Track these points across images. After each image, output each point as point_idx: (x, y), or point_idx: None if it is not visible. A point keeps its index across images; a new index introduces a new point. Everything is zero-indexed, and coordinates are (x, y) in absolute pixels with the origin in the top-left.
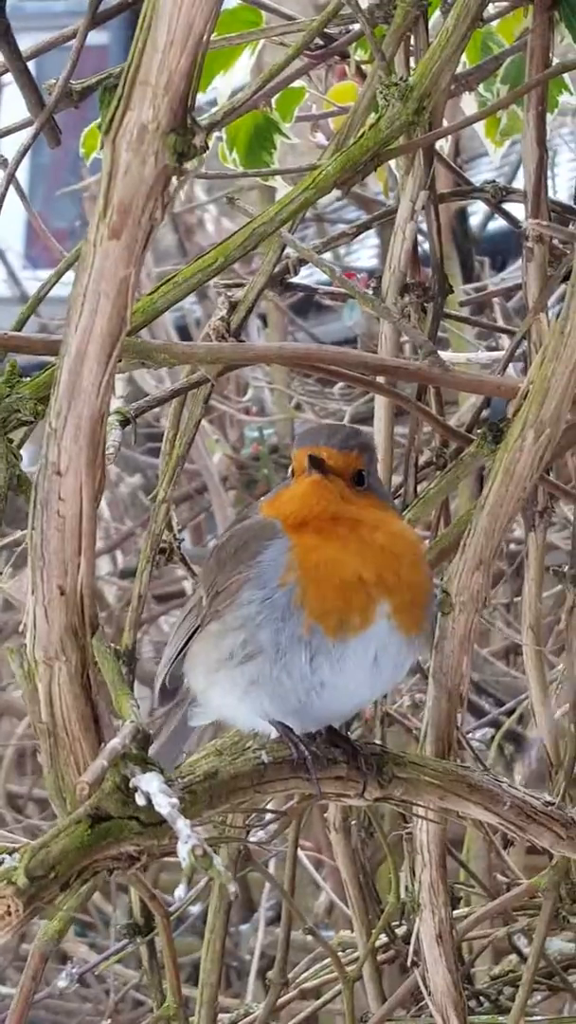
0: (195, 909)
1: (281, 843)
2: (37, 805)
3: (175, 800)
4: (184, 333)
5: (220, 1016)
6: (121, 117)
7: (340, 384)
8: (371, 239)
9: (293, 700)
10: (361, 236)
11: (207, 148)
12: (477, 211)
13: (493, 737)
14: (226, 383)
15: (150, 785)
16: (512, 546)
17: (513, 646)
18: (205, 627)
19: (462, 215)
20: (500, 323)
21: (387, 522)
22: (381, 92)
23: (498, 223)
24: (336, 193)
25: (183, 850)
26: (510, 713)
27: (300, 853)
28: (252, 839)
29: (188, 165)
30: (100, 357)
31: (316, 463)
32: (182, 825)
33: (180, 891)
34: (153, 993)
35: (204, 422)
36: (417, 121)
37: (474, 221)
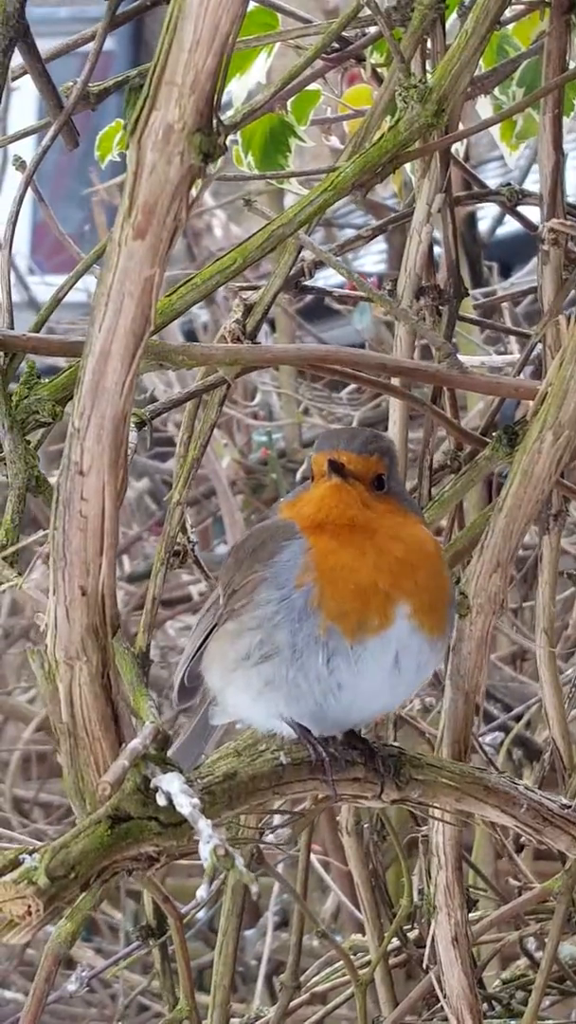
0: (201, 915)
1: (291, 847)
2: (42, 809)
3: (196, 800)
4: (191, 338)
5: (230, 1020)
6: (147, 117)
7: (348, 388)
8: (377, 244)
9: (310, 702)
10: (370, 245)
11: (226, 149)
12: (485, 216)
13: (502, 742)
14: (234, 388)
15: (171, 785)
16: (521, 551)
17: (521, 651)
18: (222, 626)
19: (471, 220)
20: (507, 320)
21: (406, 530)
22: (400, 94)
23: (505, 229)
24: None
25: (205, 850)
26: (519, 718)
27: (312, 858)
28: (266, 841)
29: (210, 167)
30: (124, 357)
31: (336, 467)
32: (204, 825)
33: (202, 891)
34: (165, 996)
35: None
36: (436, 123)
37: (482, 227)
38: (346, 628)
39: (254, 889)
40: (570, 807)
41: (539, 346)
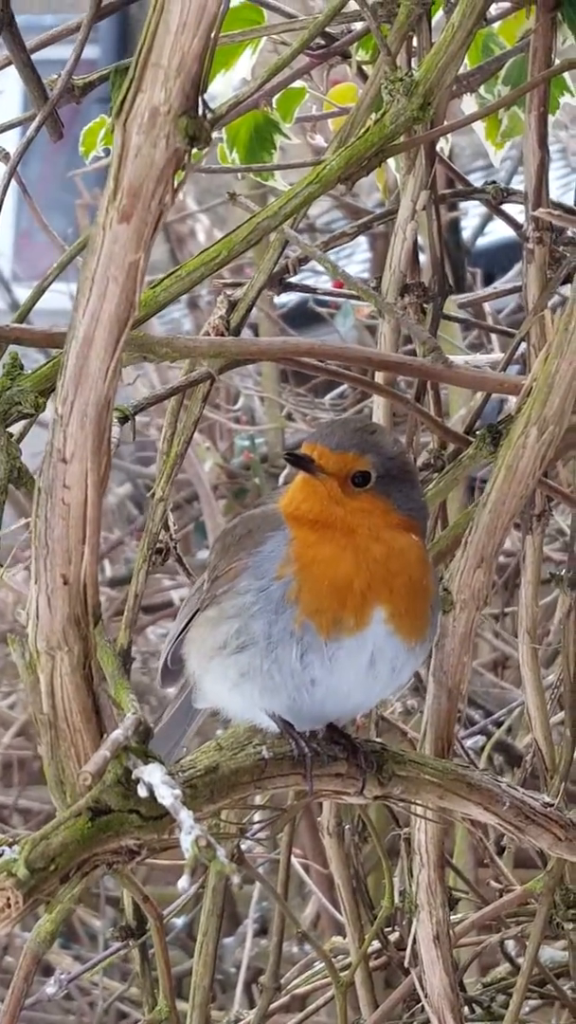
0: (179, 922)
1: (272, 850)
2: (22, 816)
3: (178, 791)
4: None
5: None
6: (132, 99)
7: (332, 393)
8: (361, 253)
9: (284, 696)
10: (352, 251)
11: (211, 137)
12: (467, 227)
13: (484, 747)
14: (216, 392)
15: (152, 776)
16: (502, 558)
17: (503, 657)
18: (204, 612)
19: (454, 226)
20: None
21: (389, 533)
22: (386, 87)
23: (487, 239)
24: (328, 203)
25: (186, 841)
26: (500, 724)
27: (293, 860)
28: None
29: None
30: (108, 343)
31: (301, 462)
32: (185, 816)
33: (183, 882)
34: (145, 997)
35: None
36: (422, 117)
37: (465, 236)
38: (321, 625)
39: (235, 880)
40: (552, 805)
41: (523, 345)
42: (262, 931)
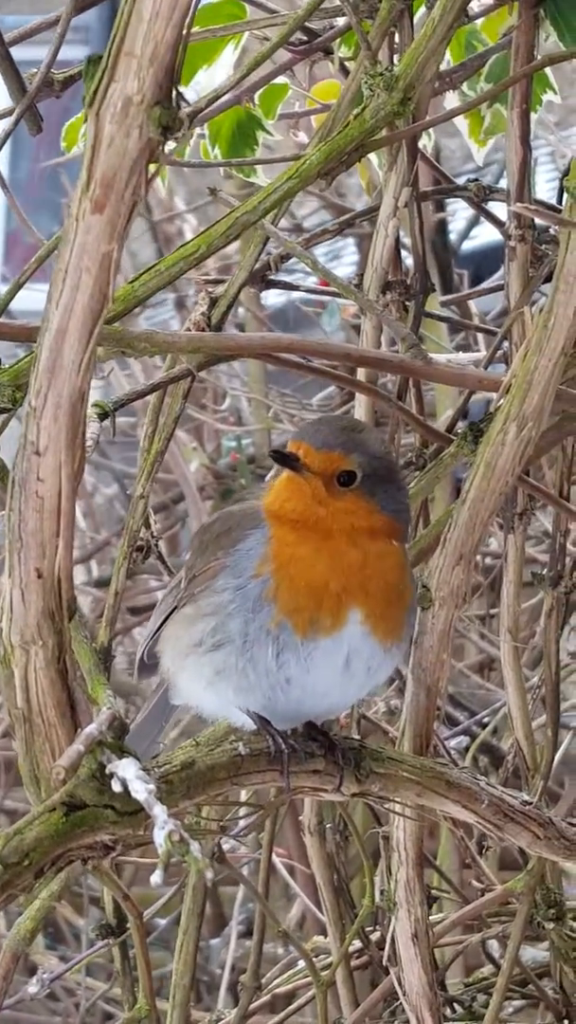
0: (163, 921)
1: (255, 850)
2: (7, 816)
3: (152, 786)
4: None
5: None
6: (105, 89)
7: (320, 395)
8: (349, 253)
9: (259, 695)
10: (340, 253)
11: (185, 129)
12: (453, 231)
13: (468, 748)
14: (203, 392)
15: (127, 771)
16: (488, 560)
17: (488, 660)
18: (181, 609)
19: (442, 227)
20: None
21: (368, 535)
22: (366, 82)
23: (475, 242)
24: (316, 204)
25: (159, 835)
26: (485, 726)
27: (276, 860)
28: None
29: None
30: (81, 334)
31: (286, 459)
32: (159, 811)
33: (156, 876)
34: (125, 996)
35: (181, 431)
36: (402, 112)
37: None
38: (297, 624)
39: (209, 875)
40: (531, 803)
41: (505, 344)
42: (247, 932)
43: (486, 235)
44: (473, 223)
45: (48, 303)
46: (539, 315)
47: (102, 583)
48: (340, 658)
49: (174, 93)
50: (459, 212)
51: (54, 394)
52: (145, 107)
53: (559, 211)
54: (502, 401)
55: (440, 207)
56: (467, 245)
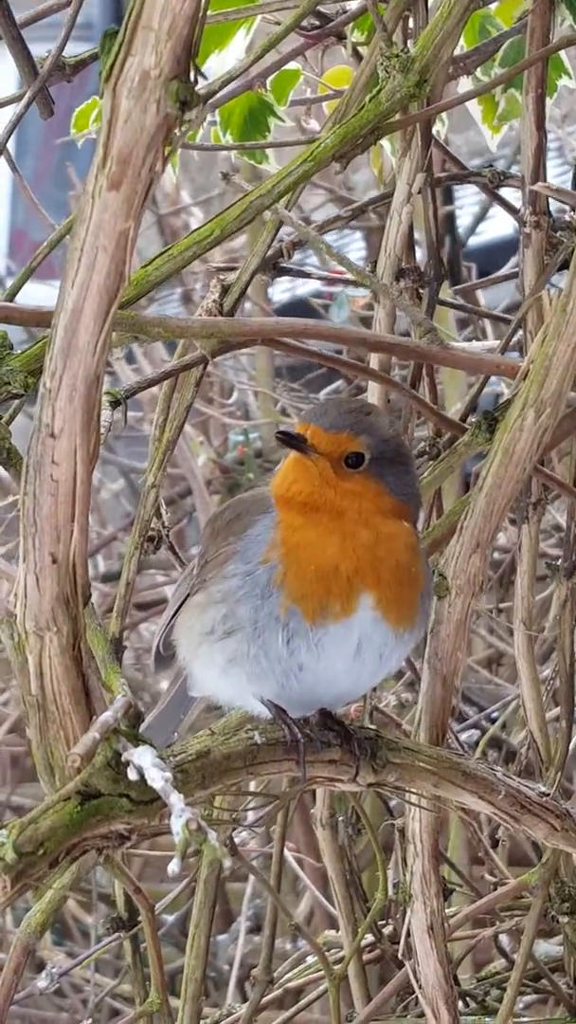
0: (170, 918)
1: (265, 844)
2: (14, 813)
3: (168, 775)
4: (173, 346)
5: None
6: (122, 63)
7: (327, 389)
8: (356, 247)
9: (272, 682)
10: (347, 245)
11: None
12: (460, 228)
13: (478, 742)
14: (210, 387)
15: (143, 759)
16: (497, 554)
17: (497, 654)
18: (193, 597)
19: (450, 220)
20: (487, 323)
21: (379, 517)
22: (382, 64)
23: (482, 238)
24: (324, 197)
25: (177, 824)
26: (494, 721)
27: (286, 853)
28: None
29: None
30: (97, 314)
31: (293, 440)
32: (176, 799)
33: (173, 866)
34: (136, 989)
35: (188, 426)
36: (418, 94)
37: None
38: (307, 610)
39: (227, 864)
40: (548, 795)
41: (520, 333)
42: (255, 928)
43: (492, 231)
44: (479, 219)
45: (63, 282)
46: (557, 300)
47: (109, 578)
48: (351, 644)
49: (192, 68)
50: (466, 208)
51: (69, 376)
52: (163, 81)
53: None
54: (519, 388)
55: (448, 200)
56: (473, 241)
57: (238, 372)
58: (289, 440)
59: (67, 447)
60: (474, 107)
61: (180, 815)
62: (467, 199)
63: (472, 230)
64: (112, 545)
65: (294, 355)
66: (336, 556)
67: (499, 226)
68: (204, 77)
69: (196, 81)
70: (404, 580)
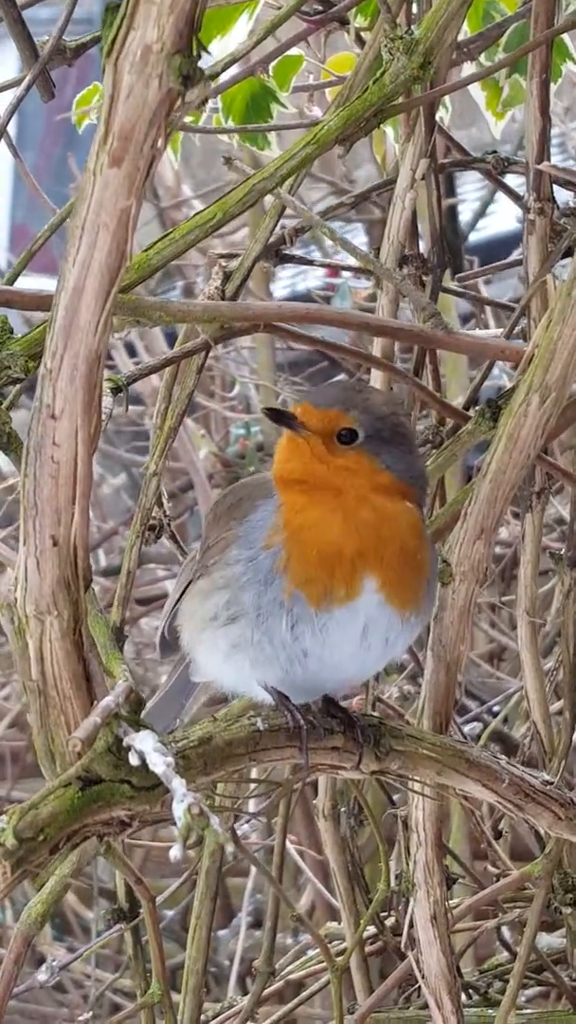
0: (171, 912)
1: (267, 836)
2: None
3: (170, 759)
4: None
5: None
6: (124, 37)
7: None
8: (359, 243)
9: (276, 668)
10: (350, 238)
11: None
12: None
13: (480, 735)
14: (211, 381)
15: (144, 744)
16: (499, 548)
17: (499, 649)
18: (196, 583)
19: (452, 212)
20: (490, 318)
21: (377, 495)
22: (386, 46)
23: (484, 234)
24: (326, 190)
25: (179, 809)
26: (496, 714)
27: (288, 845)
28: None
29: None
30: (99, 293)
31: (284, 419)
32: (178, 784)
33: (175, 851)
34: (137, 981)
35: (189, 419)
36: (422, 76)
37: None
38: (311, 595)
39: (229, 850)
40: (552, 783)
41: (523, 321)
42: (256, 923)
43: (495, 226)
44: (481, 212)
45: (64, 261)
46: (562, 284)
47: (110, 572)
48: (356, 629)
49: (194, 42)
50: (468, 202)
51: (70, 355)
52: (165, 56)
53: None
54: (524, 371)
55: (450, 192)
56: (476, 236)
57: (240, 366)
58: (279, 417)
59: (68, 428)
60: (478, 93)
61: (182, 800)
62: (469, 194)
63: (474, 224)
64: (113, 540)
65: (296, 343)
66: (339, 538)
67: (501, 221)
68: (207, 52)
69: (199, 56)
70: (409, 562)
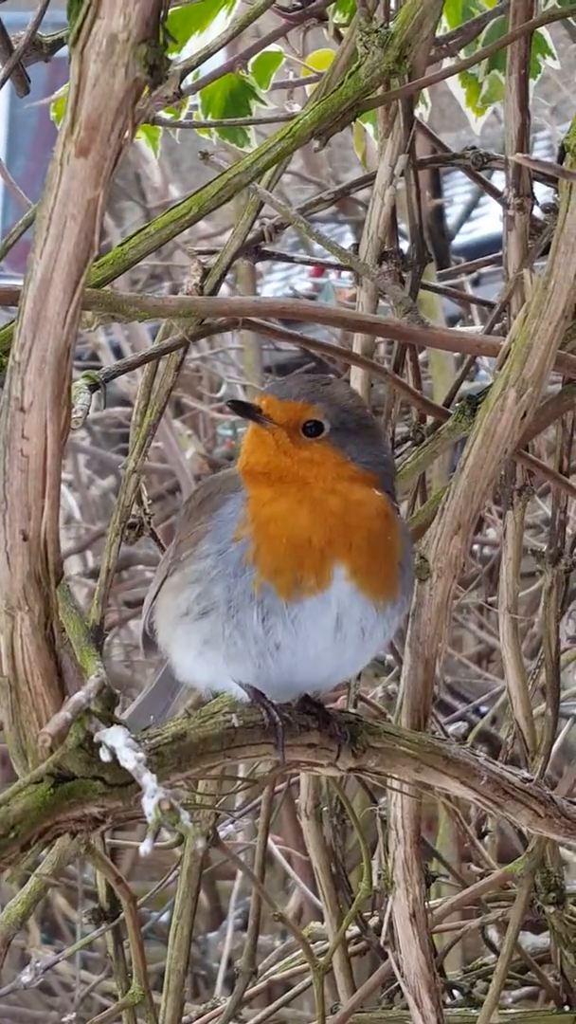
0: (163, 916)
1: (251, 837)
2: None
3: (141, 755)
4: None
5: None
6: (90, 27)
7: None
8: (346, 243)
9: (249, 663)
10: (337, 240)
11: (180, 94)
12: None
13: (466, 736)
14: (198, 382)
15: (115, 739)
16: (487, 550)
17: (487, 650)
18: (169, 578)
19: (439, 213)
20: (475, 315)
21: (347, 485)
22: (361, 39)
23: (469, 236)
24: (313, 191)
25: (149, 804)
26: (483, 715)
27: (273, 847)
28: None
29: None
30: (67, 285)
31: (247, 410)
32: (148, 779)
33: (146, 846)
34: (119, 982)
35: (177, 421)
36: (398, 70)
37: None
38: (280, 586)
39: (200, 845)
40: (531, 781)
41: (504, 319)
42: (244, 926)
43: (484, 228)
44: (466, 214)
45: (32, 252)
46: (538, 278)
47: (97, 574)
48: (329, 619)
49: (161, 32)
50: (456, 205)
51: (39, 347)
52: (131, 45)
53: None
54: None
55: (437, 192)
56: (465, 238)
57: (227, 367)
58: (243, 410)
59: (37, 421)
60: (458, 91)
61: (153, 795)
62: (458, 196)
63: (460, 225)
64: (100, 542)
65: (275, 339)
66: (307, 528)
67: (489, 225)
68: (173, 40)
69: (166, 45)
70: (378, 548)
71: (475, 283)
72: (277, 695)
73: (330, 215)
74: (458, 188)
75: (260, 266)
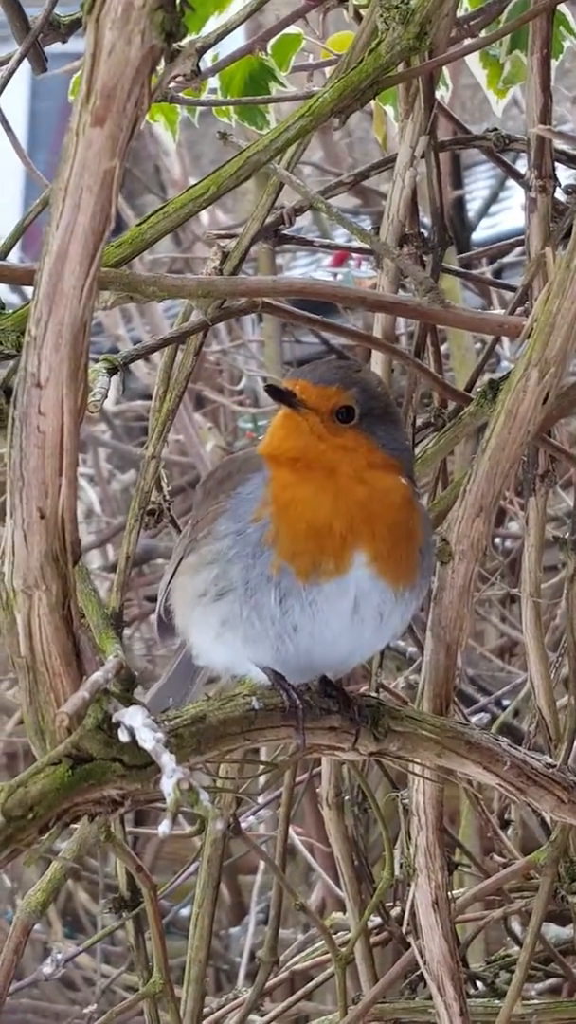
0: (185, 912)
1: (273, 827)
2: None
3: (160, 735)
4: None
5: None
6: None
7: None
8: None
9: (267, 645)
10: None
11: (198, 73)
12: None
13: (488, 726)
14: (217, 374)
15: (134, 719)
16: (508, 542)
17: (509, 643)
18: (185, 559)
19: (460, 204)
20: (494, 301)
21: (373, 473)
22: (382, 15)
23: (492, 231)
24: (330, 179)
25: (168, 784)
26: (504, 707)
27: (295, 837)
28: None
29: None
30: (83, 258)
31: (283, 395)
32: (167, 759)
33: (164, 827)
34: (139, 971)
35: (197, 414)
36: (419, 47)
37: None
38: (299, 569)
39: (219, 826)
40: (555, 766)
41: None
42: (266, 921)
43: (507, 222)
44: (489, 202)
45: (48, 225)
46: (561, 257)
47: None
48: (347, 603)
49: None
50: (478, 200)
51: (55, 322)
52: (147, 11)
53: None
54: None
55: (458, 183)
56: (488, 232)
57: (248, 360)
58: (278, 394)
59: (54, 397)
60: (480, 72)
61: (171, 775)
62: (479, 191)
63: (482, 214)
64: (121, 536)
65: (294, 322)
66: (329, 513)
67: (512, 218)
68: (191, 8)
69: (183, 11)
70: (400, 536)
71: (496, 275)
72: (295, 677)
73: (352, 208)
74: (479, 183)
75: (279, 259)
